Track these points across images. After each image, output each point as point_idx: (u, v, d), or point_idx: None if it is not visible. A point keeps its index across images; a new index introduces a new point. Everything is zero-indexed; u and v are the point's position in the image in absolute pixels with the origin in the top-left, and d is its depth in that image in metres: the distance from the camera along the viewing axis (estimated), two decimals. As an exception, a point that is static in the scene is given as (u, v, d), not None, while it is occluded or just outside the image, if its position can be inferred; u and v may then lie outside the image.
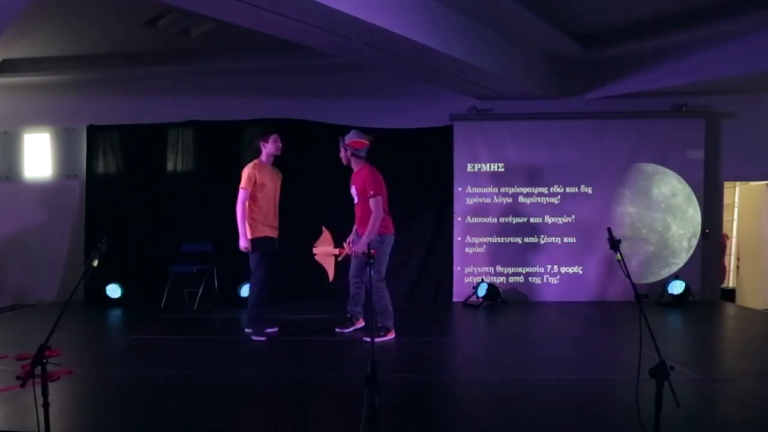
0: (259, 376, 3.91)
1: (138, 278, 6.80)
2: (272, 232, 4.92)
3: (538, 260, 6.88)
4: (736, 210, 7.72)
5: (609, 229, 2.76)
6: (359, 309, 5.12)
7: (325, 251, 5.05)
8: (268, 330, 5.02)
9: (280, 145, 4.97)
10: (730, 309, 6.68)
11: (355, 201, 4.91)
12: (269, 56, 6.32)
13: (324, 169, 6.91)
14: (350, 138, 4.84)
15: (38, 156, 7.40)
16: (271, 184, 4.92)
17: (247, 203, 4.78)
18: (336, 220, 6.77)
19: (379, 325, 4.79)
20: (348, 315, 5.11)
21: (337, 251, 4.87)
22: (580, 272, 6.85)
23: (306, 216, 6.72)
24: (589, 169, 6.82)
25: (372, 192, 4.67)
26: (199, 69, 6.79)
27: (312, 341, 4.88)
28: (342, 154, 4.88)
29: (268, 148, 4.94)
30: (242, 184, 4.76)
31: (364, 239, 4.66)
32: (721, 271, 7.54)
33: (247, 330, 5.00)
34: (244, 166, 4.89)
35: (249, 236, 4.78)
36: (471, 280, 6.87)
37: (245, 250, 4.78)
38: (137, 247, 6.84)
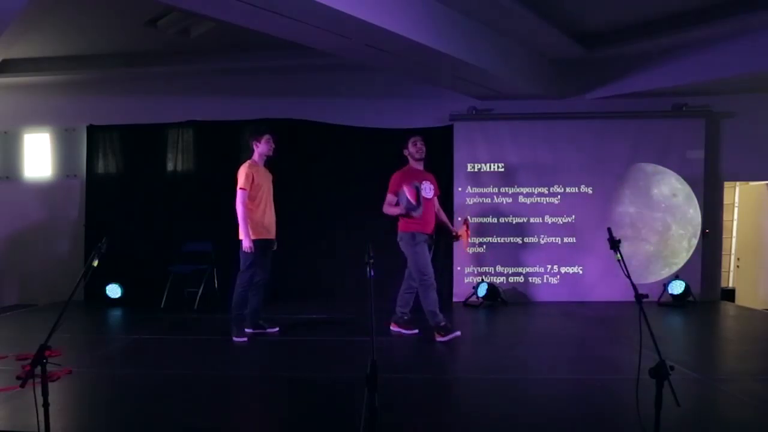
0: (259, 376, 3.91)
1: (138, 278, 6.81)
2: (268, 234, 4.86)
3: (538, 260, 6.88)
4: (736, 210, 7.71)
5: (609, 229, 2.76)
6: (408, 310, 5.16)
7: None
8: (269, 329, 5.03)
9: (273, 145, 4.91)
10: (730, 309, 6.67)
11: (429, 196, 4.99)
12: (269, 56, 6.33)
13: (324, 170, 6.93)
14: None
15: (38, 156, 7.41)
16: (266, 184, 4.88)
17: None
18: (336, 220, 6.83)
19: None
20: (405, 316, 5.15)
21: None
22: (580, 272, 6.85)
23: (305, 216, 6.74)
24: (589, 169, 6.82)
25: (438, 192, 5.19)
26: (199, 69, 6.80)
27: (312, 341, 4.88)
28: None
29: (261, 147, 4.88)
30: (240, 184, 4.68)
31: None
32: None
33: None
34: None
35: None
36: (471, 280, 6.87)
37: (249, 251, 4.63)
38: (137, 247, 6.86)
